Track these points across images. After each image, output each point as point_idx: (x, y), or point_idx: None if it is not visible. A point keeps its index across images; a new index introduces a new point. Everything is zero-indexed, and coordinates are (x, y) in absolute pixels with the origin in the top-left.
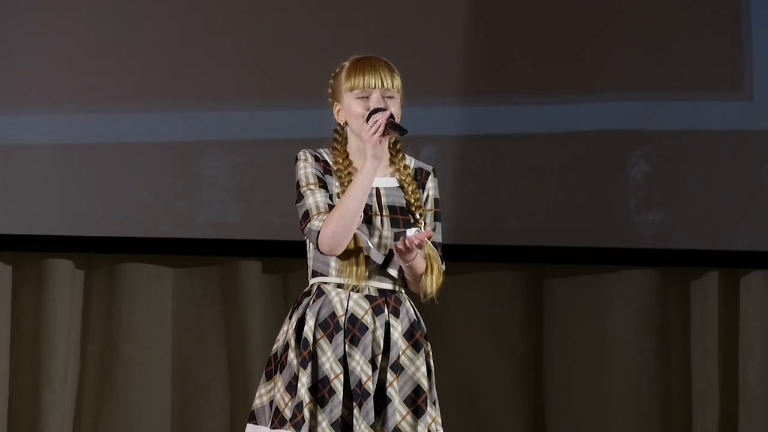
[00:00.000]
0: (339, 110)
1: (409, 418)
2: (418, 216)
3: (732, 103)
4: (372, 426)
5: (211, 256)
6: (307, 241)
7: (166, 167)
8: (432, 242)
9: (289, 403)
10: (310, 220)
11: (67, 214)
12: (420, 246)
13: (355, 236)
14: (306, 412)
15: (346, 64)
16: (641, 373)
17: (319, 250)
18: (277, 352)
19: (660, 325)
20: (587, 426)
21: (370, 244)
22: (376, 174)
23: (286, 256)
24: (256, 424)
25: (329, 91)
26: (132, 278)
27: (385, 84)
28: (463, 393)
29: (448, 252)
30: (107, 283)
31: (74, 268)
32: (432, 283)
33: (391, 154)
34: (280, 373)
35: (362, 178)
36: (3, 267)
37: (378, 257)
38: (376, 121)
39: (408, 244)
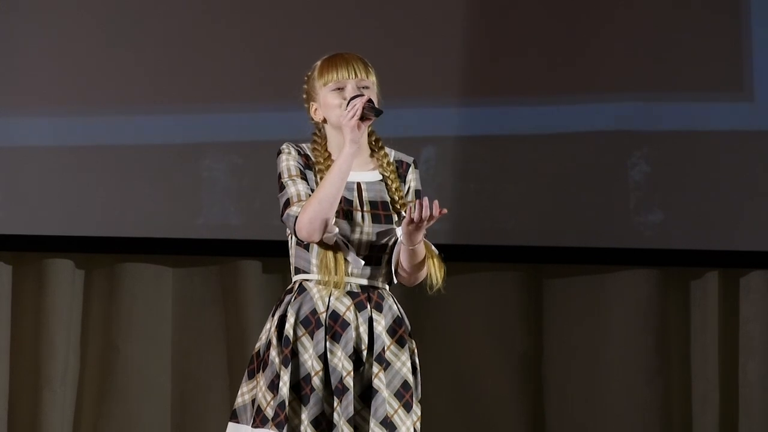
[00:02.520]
0: (315, 109)
1: (400, 411)
2: (403, 213)
3: (732, 103)
4: (362, 418)
5: (211, 257)
6: (289, 238)
7: (167, 168)
8: None
9: (271, 402)
10: (289, 207)
11: (67, 214)
12: (431, 217)
13: (336, 242)
14: (289, 411)
15: (318, 63)
16: (641, 372)
17: (296, 235)
18: (259, 351)
19: (660, 325)
20: (587, 426)
21: (349, 250)
22: (355, 163)
23: (286, 256)
24: (238, 422)
25: (304, 96)
26: (132, 278)
27: (358, 74)
28: (463, 393)
29: (447, 252)
30: (107, 283)
31: (74, 268)
32: (436, 273)
33: (372, 150)
34: (263, 371)
35: (340, 163)
36: (3, 267)
37: (357, 262)
38: (354, 105)
39: (424, 213)
